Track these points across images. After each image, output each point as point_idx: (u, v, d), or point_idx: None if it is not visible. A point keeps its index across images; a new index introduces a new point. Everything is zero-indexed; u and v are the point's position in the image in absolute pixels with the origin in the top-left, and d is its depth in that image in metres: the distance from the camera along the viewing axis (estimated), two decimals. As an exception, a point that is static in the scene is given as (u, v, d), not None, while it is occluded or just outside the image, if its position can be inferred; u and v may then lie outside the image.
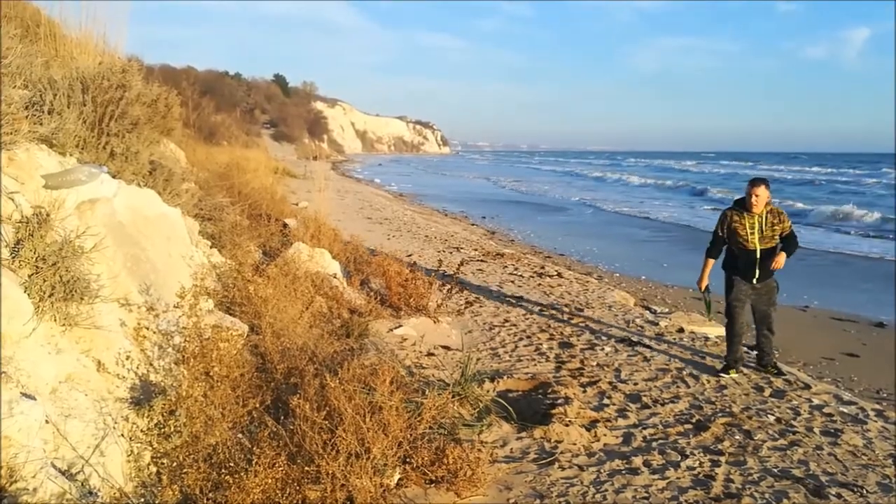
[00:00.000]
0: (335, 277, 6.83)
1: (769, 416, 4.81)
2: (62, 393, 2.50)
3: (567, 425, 4.37)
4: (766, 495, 3.66)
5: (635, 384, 5.39)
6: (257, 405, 3.22)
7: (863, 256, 15.24)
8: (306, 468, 2.88)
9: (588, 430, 4.39)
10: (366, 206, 20.28)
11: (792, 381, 5.63)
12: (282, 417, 3.32)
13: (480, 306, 7.78)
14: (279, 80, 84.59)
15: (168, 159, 5.68)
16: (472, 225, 18.65)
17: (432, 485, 3.37)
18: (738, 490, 3.70)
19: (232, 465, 2.79)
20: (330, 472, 2.84)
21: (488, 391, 4.86)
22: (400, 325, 6.23)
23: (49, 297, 2.60)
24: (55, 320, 2.66)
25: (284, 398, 3.54)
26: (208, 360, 3.33)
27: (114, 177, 4.07)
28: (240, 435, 3.17)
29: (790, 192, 34.33)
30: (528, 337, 6.65)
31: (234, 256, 5.64)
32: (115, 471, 2.53)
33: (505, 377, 5.27)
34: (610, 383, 5.36)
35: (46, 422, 2.27)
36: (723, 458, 4.09)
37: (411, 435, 3.42)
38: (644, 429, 4.51)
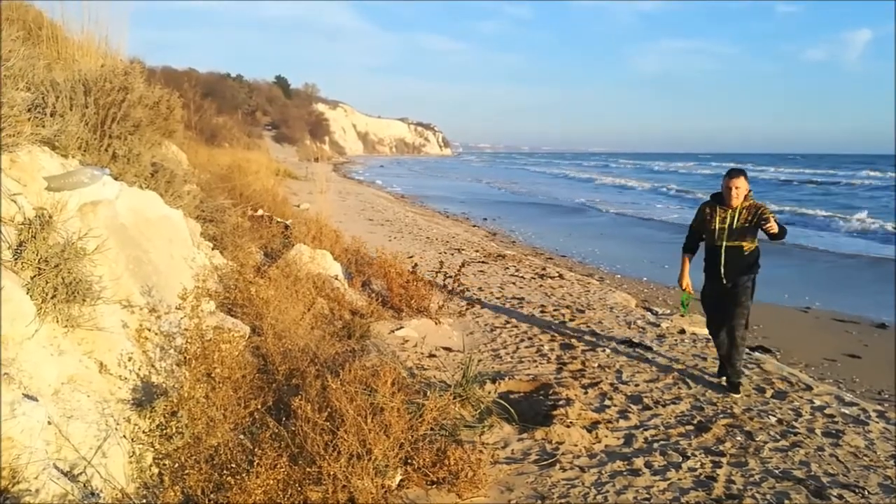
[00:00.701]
0: (336, 279, 6.84)
1: (771, 417, 4.81)
2: (64, 394, 2.50)
3: (568, 426, 4.37)
4: (768, 496, 3.66)
5: (637, 385, 5.39)
6: (259, 406, 3.23)
7: (868, 257, 15.23)
8: (308, 469, 2.88)
9: (589, 431, 4.40)
10: (367, 208, 20.29)
11: (794, 383, 5.63)
12: (283, 419, 3.33)
13: (482, 308, 7.79)
14: (281, 82, 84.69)
15: (170, 161, 5.68)
16: (474, 227, 18.66)
17: (434, 486, 3.37)
18: (740, 491, 3.70)
19: (234, 466, 2.79)
20: (331, 473, 2.85)
21: (490, 392, 4.86)
22: (401, 327, 6.24)
23: (51, 298, 2.61)
24: (57, 322, 2.66)
25: (286, 399, 3.54)
26: (210, 361, 3.34)
27: (116, 179, 4.08)
28: (241, 436, 3.18)
29: (773, 195, 34.75)
30: (530, 338, 6.65)
31: (235, 258, 5.65)
32: (116, 472, 2.54)
33: (506, 378, 5.27)
34: (611, 384, 5.36)
35: (49, 423, 2.28)
36: (724, 460, 4.09)
37: (413, 436, 3.42)
38: (645, 430, 4.51)
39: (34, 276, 2.63)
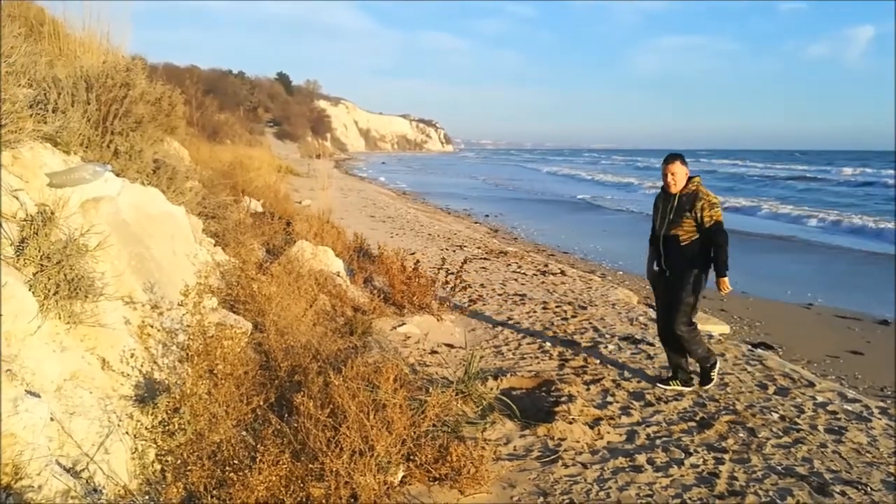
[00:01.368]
0: (339, 275, 6.84)
1: (773, 413, 4.81)
2: (67, 391, 2.51)
3: (570, 423, 4.37)
4: (770, 493, 3.65)
5: (639, 382, 5.38)
6: (261, 403, 3.22)
7: (870, 252, 15.21)
8: (310, 465, 2.88)
9: (591, 427, 4.39)
10: (369, 205, 20.29)
11: (796, 379, 5.62)
12: (286, 415, 3.33)
13: (484, 304, 7.79)
14: (282, 79, 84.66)
15: (172, 157, 5.69)
16: (476, 223, 18.65)
17: (436, 482, 3.37)
18: (742, 488, 3.69)
19: (236, 462, 2.79)
20: (334, 469, 2.85)
21: (492, 389, 4.85)
22: (403, 323, 6.24)
23: (54, 295, 2.61)
24: (60, 318, 2.67)
25: (288, 396, 3.54)
26: (212, 357, 3.34)
27: (118, 175, 4.08)
28: (244, 432, 3.18)
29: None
30: (532, 335, 6.65)
31: (237, 254, 5.65)
32: (119, 468, 2.54)
33: (508, 375, 5.27)
34: (613, 381, 5.36)
35: (51, 419, 2.28)
36: (727, 456, 4.09)
37: (415, 433, 3.43)
38: (648, 426, 4.50)
39: (36, 273, 2.63)
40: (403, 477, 3.28)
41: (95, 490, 2.36)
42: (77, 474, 2.30)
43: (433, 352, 5.77)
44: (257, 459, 2.75)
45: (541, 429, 4.29)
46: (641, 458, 4.01)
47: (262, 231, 7.38)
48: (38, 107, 3.86)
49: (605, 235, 17.15)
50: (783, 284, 11.46)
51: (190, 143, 10.95)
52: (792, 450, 4.22)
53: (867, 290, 11.15)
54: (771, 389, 5.34)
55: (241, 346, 3.73)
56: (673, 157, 5.19)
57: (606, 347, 6.30)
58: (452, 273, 7.48)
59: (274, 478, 2.71)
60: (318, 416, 3.11)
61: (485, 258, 11.23)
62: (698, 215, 5.00)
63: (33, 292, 2.54)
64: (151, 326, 3.28)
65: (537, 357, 5.94)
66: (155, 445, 2.82)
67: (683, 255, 5.09)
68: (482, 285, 8.90)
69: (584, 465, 3.89)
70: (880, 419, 4.76)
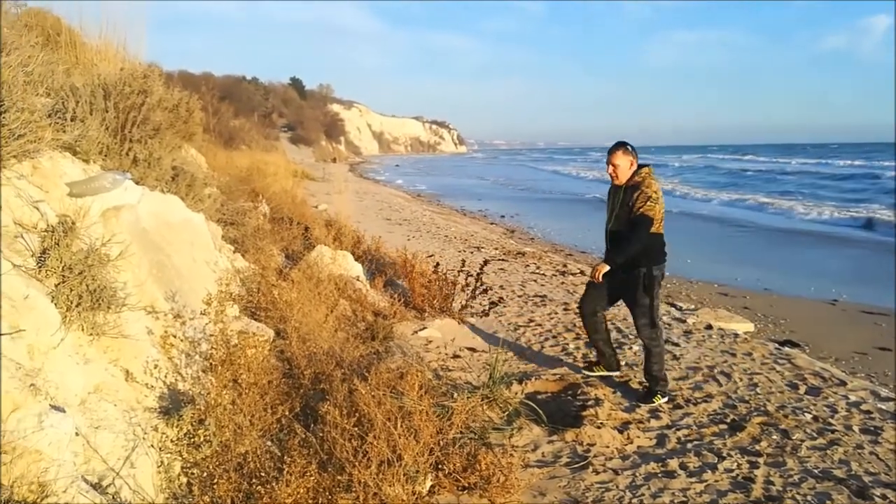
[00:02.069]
0: (358, 279, 6.79)
1: (806, 414, 4.69)
2: (91, 404, 2.46)
3: (599, 427, 4.28)
4: (809, 497, 3.55)
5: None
6: (286, 412, 3.17)
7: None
8: (338, 477, 2.82)
9: (620, 432, 4.30)
10: (385, 208, 20.27)
11: (826, 378, 5.49)
12: (311, 424, 3.27)
13: (504, 306, 7.70)
14: (296, 84, 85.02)
15: (190, 164, 5.67)
16: (492, 224, 18.57)
17: (465, 491, 3.30)
18: (780, 492, 3.59)
19: (263, 474, 2.74)
20: (362, 480, 2.79)
21: (517, 393, 4.78)
22: (424, 327, 6.17)
23: (76, 306, 2.57)
24: (83, 330, 2.62)
25: (313, 404, 3.49)
26: (236, 367, 3.29)
27: (137, 183, 4.05)
28: (269, 443, 3.13)
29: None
30: (554, 337, 6.56)
31: (257, 261, 5.62)
32: (145, 482, 2.49)
33: (533, 378, 5.19)
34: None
35: (76, 434, 2.23)
36: (761, 460, 3.98)
37: (442, 440, 3.36)
38: (678, 430, 4.40)
39: (58, 284, 2.59)
40: (432, 486, 3.21)
41: (122, 505, 2.31)
42: (103, 490, 2.26)
43: (456, 356, 5.70)
44: (284, 471, 2.70)
45: (569, 434, 4.20)
46: (673, 463, 3.91)
47: (280, 236, 7.35)
48: (57, 116, 3.84)
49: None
50: (806, 280, 11.29)
51: (207, 150, 10.97)
52: (828, 452, 4.10)
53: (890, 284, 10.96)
54: (802, 389, 5.21)
55: (264, 354, 3.68)
56: (616, 146, 4.84)
57: (631, 348, 6.19)
58: (472, 275, 7.40)
59: (301, 490, 2.65)
60: (343, 425, 3.05)
61: (503, 259, 11.15)
62: (633, 207, 4.70)
63: (55, 304, 2.50)
64: (174, 336, 3.23)
65: (561, 359, 5.85)
66: (181, 458, 2.77)
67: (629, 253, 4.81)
68: (502, 287, 8.82)
69: (615, 472, 3.80)
70: (918, 419, 4.63)
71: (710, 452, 4.07)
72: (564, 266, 10.79)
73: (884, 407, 4.85)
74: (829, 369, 5.86)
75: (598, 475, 3.75)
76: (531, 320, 7.18)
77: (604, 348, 5.26)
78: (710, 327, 7.13)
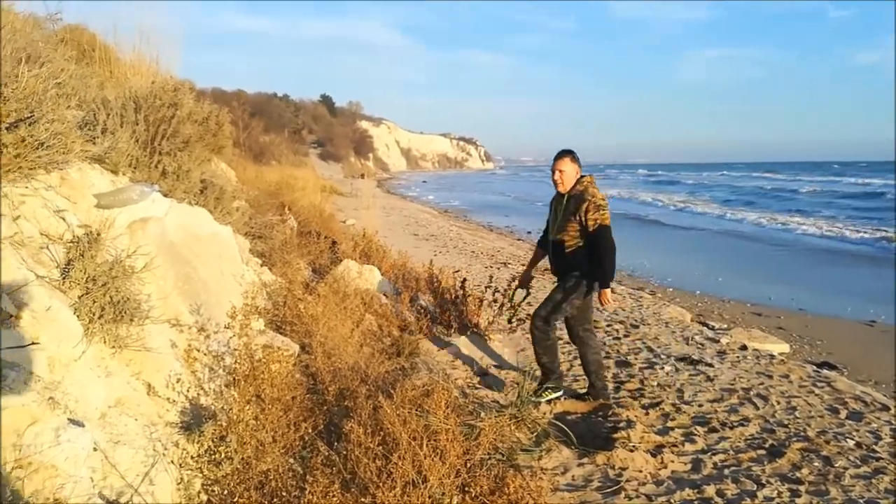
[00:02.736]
0: (384, 294, 6.72)
1: (848, 440, 4.48)
2: (112, 418, 2.41)
3: (631, 451, 4.12)
4: (855, 530, 3.36)
5: (700, 406, 5.10)
6: (309, 429, 3.09)
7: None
8: (361, 498, 2.73)
9: (654, 455, 4.14)
10: (412, 223, 20.27)
11: (868, 402, 5.27)
12: (335, 442, 3.19)
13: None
14: (326, 101, 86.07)
15: (219, 177, 5.67)
16: (519, 240, 18.43)
17: (492, 515, 3.18)
18: (824, 524, 3.41)
19: (284, 494, 2.66)
20: (386, 502, 2.69)
21: (545, 413, 4.65)
22: (451, 344, 6.07)
23: (98, 318, 2.53)
24: (105, 342, 2.59)
25: (336, 421, 3.41)
26: (259, 382, 3.23)
27: (165, 195, 4.04)
28: (292, 460, 3.05)
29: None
30: (584, 355, 6.40)
31: (284, 274, 5.59)
32: (164, 500, 2.43)
33: (562, 398, 5.04)
34: (673, 405, 5.09)
35: (94, 449, 2.18)
36: (802, 488, 3.79)
37: (469, 462, 3.24)
38: (714, 454, 4.23)
39: (82, 296, 2.56)
40: (458, 509, 3.09)
41: (140, 523, 2.25)
42: (121, 507, 2.20)
43: (483, 373, 5.58)
44: (306, 490, 2.62)
45: (600, 457, 4.05)
46: (710, 490, 3.74)
47: (308, 250, 7.33)
48: (87, 128, 3.86)
49: (649, 250, 16.71)
50: (841, 300, 10.97)
51: (236, 164, 11.07)
52: (873, 481, 3.90)
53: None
54: (843, 414, 5.00)
55: (288, 368, 3.62)
56: (562, 153, 4.76)
57: (663, 368, 6.02)
58: (499, 291, 7.28)
59: (323, 511, 2.57)
60: (368, 444, 2.97)
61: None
62: (582, 218, 4.57)
63: (78, 316, 2.46)
64: (197, 350, 3.19)
65: (591, 379, 5.70)
66: (201, 475, 2.70)
67: (569, 265, 4.75)
68: (529, 304, 8.67)
69: (649, 497, 3.65)
70: (968, 448, 4.40)
71: (748, 479, 3.89)
72: (593, 283, 10.61)
73: (931, 434, 4.62)
74: (870, 393, 5.63)
75: (630, 501, 3.60)
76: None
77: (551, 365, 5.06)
78: (744, 348, 6.92)
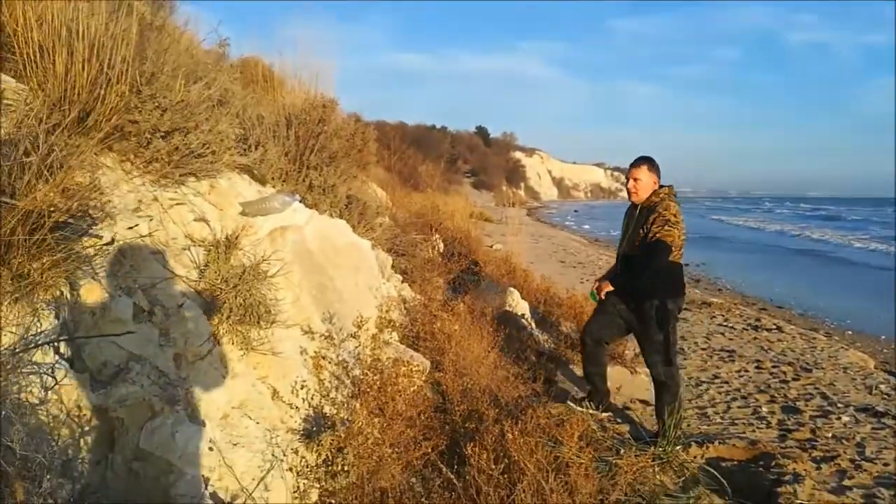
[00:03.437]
0: (524, 317, 6.50)
1: None
2: (233, 419, 2.41)
3: (798, 509, 3.57)
4: None
5: (886, 465, 4.36)
6: (431, 449, 2.94)
7: None
8: (479, 529, 2.53)
9: (826, 517, 3.56)
10: (559, 250, 19.86)
11: None
12: (456, 465, 3.01)
13: (685, 359, 6.99)
14: (481, 132, 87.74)
15: (366, 195, 5.80)
16: (674, 272, 17.39)
17: (627, 565, 2.84)
18: None
19: (400, 514, 2.53)
20: (506, 536, 2.47)
21: (696, 458, 4.18)
22: (592, 374, 5.71)
23: (227, 318, 2.56)
24: (233, 343, 2.61)
25: (461, 442, 3.24)
26: (385, 395, 3.15)
27: (309, 207, 4.14)
28: (413, 480, 2.92)
29: None
30: (744, 397, 5.77)
31: (423, 291, 5.55)
32: (278, 507, 2.38)
33: (716, 442, 4.52)
34: (851, 461, 4.39)
35: (211, 449, 2.16)
36: None
37: (603, 500, 2.94)
38: (902, 523, 3.56)
39: (214, 296, 2.61)
40: (587, 554, 2.80)
41: (252, 529, 2.20)
42: (233, 510, 2.16)
43: (625, 408, 5.18)
44: (423, 514, 2.46)
45: (759, 512, 3.55)
46: (898, 566, 3.13)
47: (449, 269, 7.30)
48: (241, 141, 4.05)
49: (825, 290, 15.05)
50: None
51: (389, 187, 11.41)
52: None
53: None
54: None
55: (416, 384, 3.51)
56: (639, 159, 4.34)
57: (839, 419, 5.26)
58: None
59: (439, 538, 2.39)
60: (490, 471, 2.76)
61: (685, 309, 10.27)
62: (649, 231, 4.12)
63: (208, 316, 2.50)
64: (325, 358, 3.16)
65: (751, 423, 5.10)
66: (318, 486, 2.64)
67: (640, 281, 4.21)
68: (683, 338, 8.06)
69: (819, 567, 3.11)
70: None
71: (950, 558, 3.22)
72: (757, 320, 9.70)
73: None
74: None
75: (795, 568, 3.09)
76: (716, 376, 6.42)
77: (599, 384, 4.67)
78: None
